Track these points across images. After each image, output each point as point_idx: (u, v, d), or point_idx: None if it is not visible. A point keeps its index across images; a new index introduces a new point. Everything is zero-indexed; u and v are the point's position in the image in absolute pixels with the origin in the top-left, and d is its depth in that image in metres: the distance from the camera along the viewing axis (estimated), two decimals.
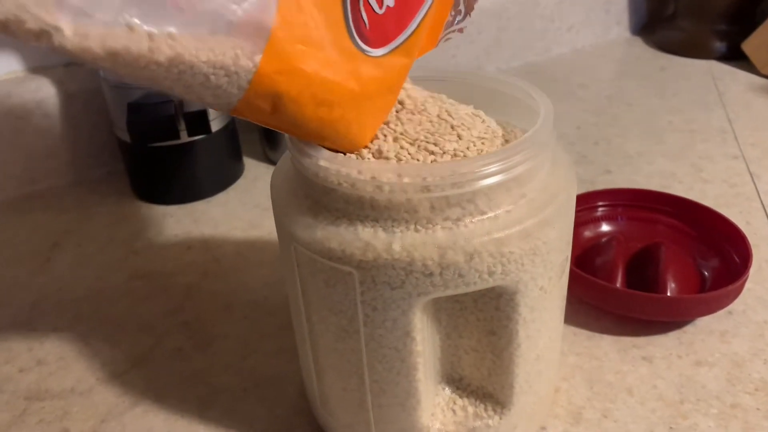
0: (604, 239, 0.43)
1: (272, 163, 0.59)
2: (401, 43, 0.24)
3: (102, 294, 0.44)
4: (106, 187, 0.57)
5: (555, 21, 0.80)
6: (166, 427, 0.34)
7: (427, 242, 0.23)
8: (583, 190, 0.46)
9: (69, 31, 0.18)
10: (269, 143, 0.59)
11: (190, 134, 0.51)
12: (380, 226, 0.24)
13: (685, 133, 0.61)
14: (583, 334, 0.38)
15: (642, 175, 0.54)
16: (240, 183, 0.56)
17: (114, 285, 0.44)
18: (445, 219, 0.24)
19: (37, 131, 0.55)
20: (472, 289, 0.24)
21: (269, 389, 0.35)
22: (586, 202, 0.45)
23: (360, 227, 0.24)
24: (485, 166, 0.23)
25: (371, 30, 0.23)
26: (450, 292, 0.24)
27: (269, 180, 0.56)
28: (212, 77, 0.21)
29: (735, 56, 0.74)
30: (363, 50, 0.23)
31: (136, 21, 0.19)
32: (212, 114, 0.51)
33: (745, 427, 0.32)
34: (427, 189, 0.23)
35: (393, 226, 0.24)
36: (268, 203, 0.53)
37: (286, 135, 0.25)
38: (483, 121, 0.28)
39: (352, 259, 0.24)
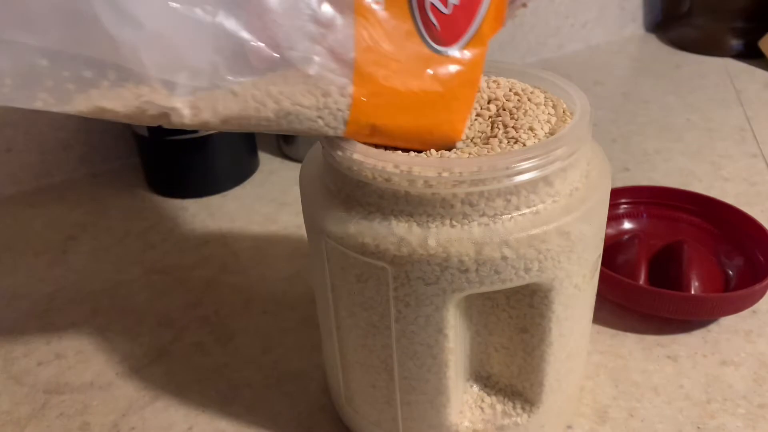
0: (626, 237, 0.42)
1: (287, 157, 0.59)
2: (473, 35, 0.25)
3: (120, 287, 0.43)
4: (120, 181, 0.57)
5: (569, 17, 0.79)
6: (187, 421, 0.33)
7: (463, 238, 0.23)
8: None
9: (186, 109, 0.20)
10: (284, 138, 0.58)
11: None
12: (415, 221, 0.23)
13: (702, 131, 0.60)
14: (606, 332, 0.37)
15: (661, 172, 0.54)
16: (255, 177, 0.56)
17: (132, 278, 0.44)
18: (482, 215, 0.23)
19: (51, 124, 0.55)
20: (507, 285, 0.24)
21: (291, 384, 0.35)
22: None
23: (394, 222, 0.24)
24: (522, 161, 0.23)
25: (442, 31, 0.24)
26: (485, 288, 0.24)
27: (284, 175, 0.57)
28: (319, 120, 0.23)
29: (752, 54, 0.74)
30: (439, 52, 0.24)
31: (235, 85, 0.20)
32: None
33: None
34: (463, 184, 0.23)
35: (428, 221, 0.23)
36: (284, 198, 0.52)
37: None
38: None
39: (386, 255, 0.23)
